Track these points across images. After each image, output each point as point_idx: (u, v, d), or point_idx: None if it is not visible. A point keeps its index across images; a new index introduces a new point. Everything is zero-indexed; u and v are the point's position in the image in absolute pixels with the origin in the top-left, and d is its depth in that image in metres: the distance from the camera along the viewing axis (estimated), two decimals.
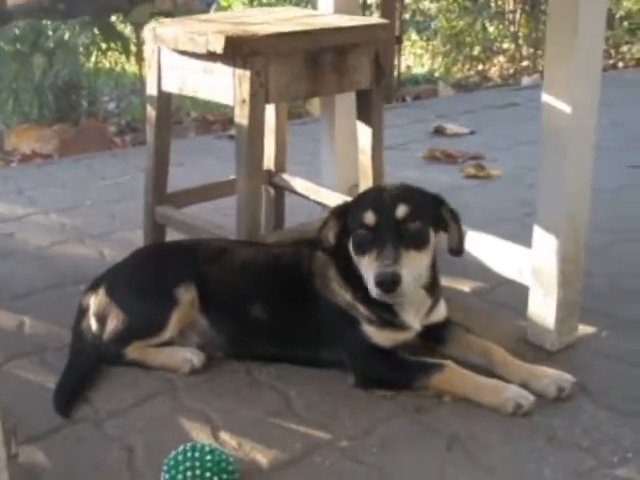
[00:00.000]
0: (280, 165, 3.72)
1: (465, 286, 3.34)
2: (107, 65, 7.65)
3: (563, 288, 2.78)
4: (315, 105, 6.53)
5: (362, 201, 2.62)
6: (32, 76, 6.27)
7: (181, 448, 2.10)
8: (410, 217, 2.49)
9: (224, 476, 2.06)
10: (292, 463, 2.26)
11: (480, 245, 3.10)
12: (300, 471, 2.23)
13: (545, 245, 2.76)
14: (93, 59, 6.95)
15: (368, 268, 2.48)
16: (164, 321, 2.69)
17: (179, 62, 3.04)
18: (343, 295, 2.63)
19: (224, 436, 2.38)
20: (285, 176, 3.70)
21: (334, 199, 3.32)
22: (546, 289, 2.80)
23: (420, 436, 2.38)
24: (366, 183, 3.26)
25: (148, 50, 3.18)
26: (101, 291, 2.79)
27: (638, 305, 3.19)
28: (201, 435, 2.38)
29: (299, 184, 3.62)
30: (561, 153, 2.65)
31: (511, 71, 9.32)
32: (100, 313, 2.76)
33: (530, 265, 2.85)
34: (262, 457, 2.28)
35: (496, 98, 7.15)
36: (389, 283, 2.40)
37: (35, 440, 2.36)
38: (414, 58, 9.83)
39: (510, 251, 3.04)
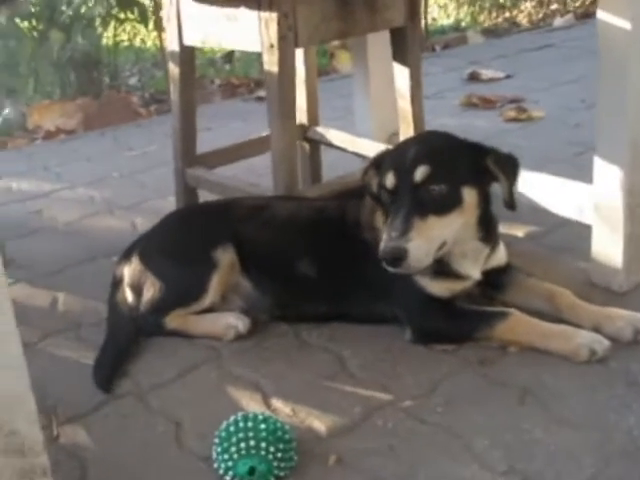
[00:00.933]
0: (313, 118, 3.52)
1: (519, 231, 3.13)
2: (126, 38, 7.51)
3: (630, 222, 2.57)
4: (342, 61, 6.32)
5: (390, 157, 2.42)
6: (50, 52, 6.10)
7: (232, 418, 1.94)
8: (431, 179, 2.26)
9: (281, 445, 1.89)
10: (352, 428, 2.09)
11: (533, 185, 2.89)
12: (361, 436, 2.06)
13: (608, 177, 2.55)
14: (111, 31, 6.76)
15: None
16: (204, 286, 2.53)
17: (200, 11, 2.85)
18: None
19: (276, 403, 2.21)
20: (319, 129, 3.50)
21: (373, 149, 3.11)
22: (611, 225, 2.59)
23: (488, 390, 2.20)
24: (407, 129, 3.06)
25: (166, 1, 2.99)
26: (134, 260, 2.63)
27: None
28: (252, 404, 2.22)
29: (335, 136, 3.42)
30: (621, 72, 2.44)
31: (540, 15, 9.03)
32: (135, 283, 2.60)
33: (592, 201, 2.64)
34: (319, 423, 2.11)
35: (529, 41, 6.91)
36: (390, 259, 2.22)
37: (76, 419, 2.22)
38: (438, 10, 9.55)
39: (568, 189, 2.83)
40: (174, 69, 3.07)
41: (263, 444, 1.86)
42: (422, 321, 2.43)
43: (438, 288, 2.41)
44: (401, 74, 3.01)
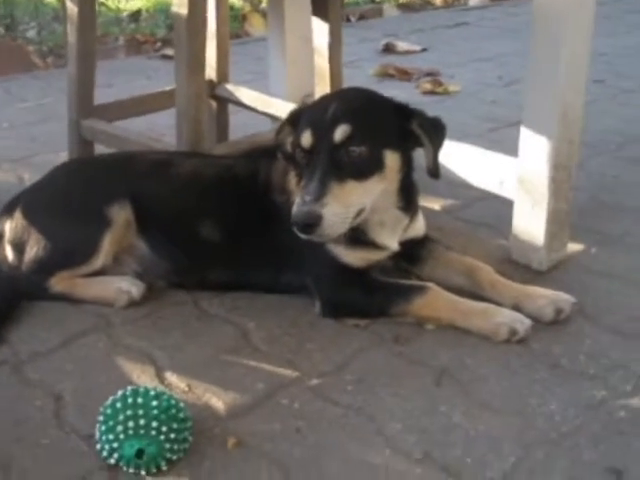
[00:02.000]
0: (222, 74, 3.29)
1: (435, 203, 2.99)
2: None
3: (554, 198, 2.44)
4: (255, 25, 6.09)
5: (309, 113, 2.19)
6: None
7: (120, 393, 1.71)
8: (351, 140, 2.06)
9: (174, 425, 1.67)
10: (254, 406, 1.89)
11: (451, 156, 2.73)
12: (264, 415, 1.86)
13: (534, 150, 2.42)
14: None
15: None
16: (95, 245, 2.28)
17: None
18: None
19: (171, 377, 2.00)
20: (229, 86, 3.27)
21: (286, 110, 2.89)
22: (535, 200, 2.46)
23: (403, 370, 2.03)
24: (323, 88, 2.87)
25: None
26: (17, 214, 2.36)
27: (623, 220, 2.90)
28: (143, 377, 2.00)
29: (246, 95, 3.20)
30: (555, 43, 2.30)
31: None
32: (17, 240, 2.33)
33: (516, 175, 2.50)
34: (218, 400, 1.91)
35: (444, 18, 6.84)
36: (302, 225, 2.01)
37: None
38: None
39: (489, 161, 2.69)
40: (72, 8, 2.79)
41: (154, 423, 1.65)
42: (333, 293, 2.25)
43: (353, 258, 2.23)
44: (320, 30, 2.82)
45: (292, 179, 2.25)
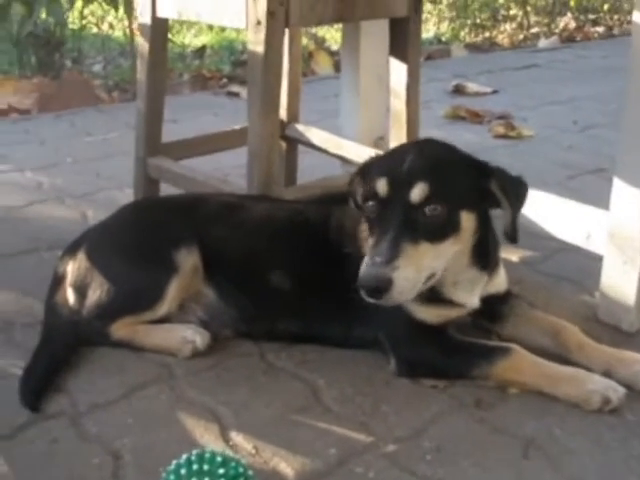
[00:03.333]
0: (293, 114, 3.18)
1: (513, 255, 2.82)
2: (93, 21, 7.15)
3: None
4: (321, 63, 6.02)
5: (382, 164, 2.06)
6: (10, 27, 5.69)
7: (184, 457, 1.58)
8: (429, 200, 1.91)
9: None
10: (326, 474, 1.75)
11: (533, 205, 2.57)
12: None
13: (628, 201, 2.25)
14: (77, 10, 6.37)
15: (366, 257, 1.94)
16: (160, 292, 2.18)
17: None
18: None
19: (236, 438, 1.87)
20: (299, 127, 3.16)
21: (358, 153, 2.79)
22: (627, 256, 2.29)
23: (486, 438, 1.88)
24: (399, 132, 2.74)
25: None
26: (80, 255, 2.27)
27: None
28: (207, 436, 1.87)
29: (316, 135, 3.09)
30: None
31: (520, 37, 8.88)
32: (79, 282, 2.24)
33: (606, 228, 2.33)
34: (287, 466, 1.77)
35: (513, 59, 6.70)
36: (371, 289, 1.87)
37: None
38: None
39: (575, 212, 2.53)
40: (144, 44, 2.73)
41: None
42: (409, 351, 2.10)
43: (428, 314, 2.09)
44: (398, 71, 2.70)
45: (365, 229, 2.12)
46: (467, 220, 1.99)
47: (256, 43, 2.30)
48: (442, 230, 1.94)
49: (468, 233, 2.02)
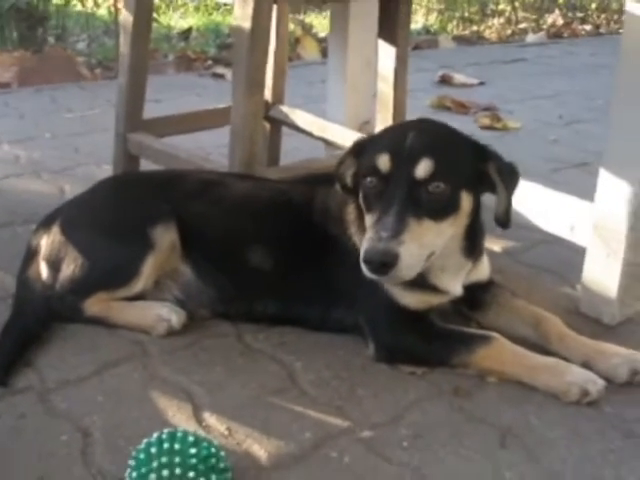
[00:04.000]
0: (278, 95, 3.14)
1: (495, 245, 2.79)
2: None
3: (632, 248, 2.25)
4: (308, 49, 5.97)
5: (381, 141, 2.02)
6: None
7: (155, 436, 1.54)
8: (434, 177, 1.88)
9: (213, 476, 1.50)
10: (300, 458, 1.72)
11: (518, 196, 2.54)
12: (311, 468, 1.69)
13: (614, 194, 2.22)
14: None
15: (366, 233, 1.91)
16: (136, 268, 2.13)
17: None
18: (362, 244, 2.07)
19: (210, 419, 1.83)
20: (284, 108, 3.12)
21: (344, 136, 2.75)
22: (610, 249, 2.26)
23: (463, 426, 1.85)
24: (385, 115, 2.70)
25: None
26: (55, 229, 2.22)
27: None
28: (179, 416, 1.83)
29: (301, 118, 3.04)
30: None
31: (508, 32, 8.88)
32: (53, 257, 2.19)
33: (590, 220, 2.31)
34: (260, 448, 1.73)
35: (501, 53, 6.69)
36: (377, 264, 1.82)
37: None
38: None
39: (560, 204, 2.50)
40: (127, 18, 2.67)
41: (191, 473, 1.48)
42: (389, 336, 2.07)
43: (411, 299, 2.05)
44: (386, 54, 2.66)
45: (351, 211, 2.09)
46: (466, 201, 1.97)
47: (243, 19, 2.25)
48: (444, 208, 1.92)
49: (465, 214, 2.00)
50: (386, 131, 2.14)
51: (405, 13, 2.59)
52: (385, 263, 1.80)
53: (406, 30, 2.61)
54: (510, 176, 2.03)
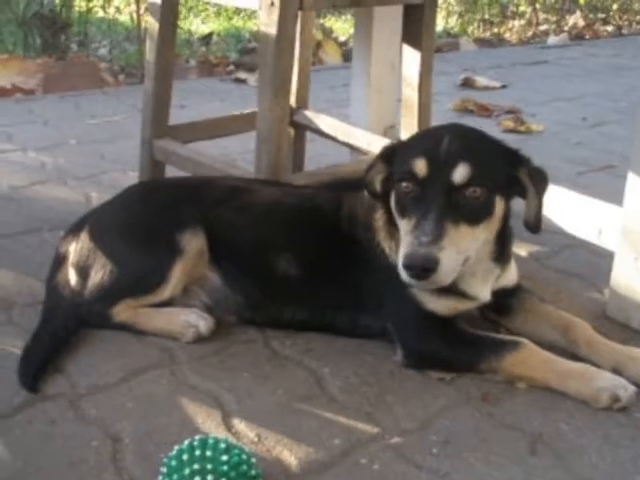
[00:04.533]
0: (302, 100, 3.14)
1: (521, 249, 2.78)
2: (99, 4, 7.11)
3: None
4: (329, 53, 5.97)
5: (415, 145, 2.02)
6: (16, 7, 5.64)
7: (186, 443, 1.54)
8: (471, 182, 1.89)
9: None
10: (330, 464, 1.71)
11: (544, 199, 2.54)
12: (341, 475, 1.68)
13: None
14: None
15: (402, 238, 1.91)
16: (164, 274, 2.14)
17: None
18: (391, 250, 2.07)
19: (239, 425, 1.83)
20: (308, 113, 3.12)
21: (370, 141, 2.76)
22: (638, 253, 2.25)
23: (493, 433, 1.84)
24: (410, 121, 2.69)
25: None
26: (83, 236, 2.23)
27: None
28: (209, 423, 1.83)
29: (325, 123, 3.04)
30: None
31: (529, 34, 8.85)
32: (82, 263, 2.20)
33: (619, 224, 2.29)
34: (290, 455, 1.73)
35: (523, 55, 6.66)
36: (418, 270, 1.82)
37: None
38: None
39: (587, 208, 2.49)
40: (153, 24, 2.68)
41: None
42: (418, 342, 2.06)
43: (439, 305, 2.04)
44: (411, 59, 2.65)
45: (380, 217, 2.09)
46: (499, 206, 1.97)
47: (268, 25, 2.25)
48: (479, 213, 1.92)
49: (497, 220, 2.00)
50: (418, 136, 2.14)
51: (430, 17, 2.59)
52: (426, 268, 1.80)
53: (431, 34, 2.61)
54: (541, 181, 2.03)
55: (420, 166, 1.90)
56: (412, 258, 1.81)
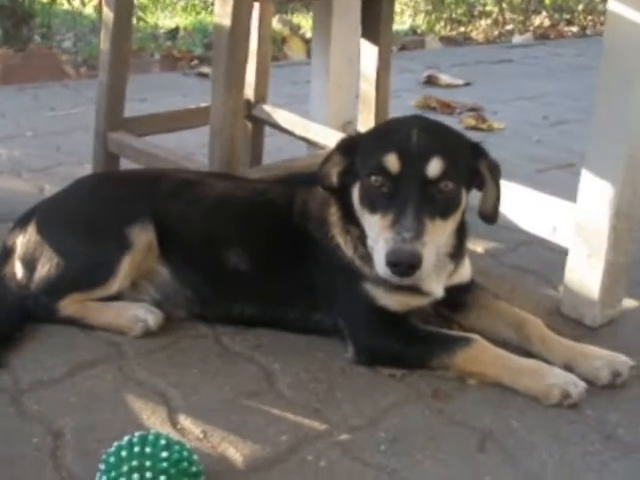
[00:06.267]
0: (261, 95, 3.11)
1: (477, 246, 2.77)
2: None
3: (614, 249, 2.23)
4: (294, 49, 5.95)
5: (382, 138, 1.99)
6: None
7: (126, 439, 1.51)
8: (444, 176, 1.88)
9: None
10: (276, 461, 1.69)
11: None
12: (287, 472, 1.67)
13: (595, 195, 2.21)
14: None
15: (378, 235, 1.89)
16: (112, 268, 2.10)
17: None
18: (345, 245, 2.05)
19: (185, 421, 1.80)
20: (266, 107, 3.09)
21: (327, 136, 2.74)
22: (592, 250, 2.25)
23: (442, 430, 1.83)
24: (367, 117, 2.68)
25: None
26: (31, 228, 2.18)
27: None
28: (154, 419, 1.80)
29: (284, 117, 3.01)
30: (626, 85, 2.12)
31: (495, 33, 8.87)
32: (28, 256, 2.15)
33: (573, 221, 2.29)
34: (236, 452, 1.71)
35: (488, 54, 6.68)
36: (405, 266, 1.81)
37: None
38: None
39: (542, 204, 2.48)
40: (108, 14, 2.63)
41: (162, 477, 1.45)
42: (369, 338, 2.04)
43: (392, 301, 2.02)
44: (369, 54, 2.64)
45: (334, 212, 2.06)
46: (464, 198, 1.98)
47: (223, 16, 2.22)
48: (450, 207, 1.93)
49: (460, 213, 2.00)
50: (382, 128, 2.11)
51: (388, 12, 2.57)
52: (412, 265, 1.79)
53: (389, 30, 2.60)
54: (498, 172, 2.04)
55: (392, 160, 1.89)
56: (398, 255, 1.80)
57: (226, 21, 2.21)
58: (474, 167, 2.01)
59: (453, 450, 1.75)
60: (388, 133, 2.01)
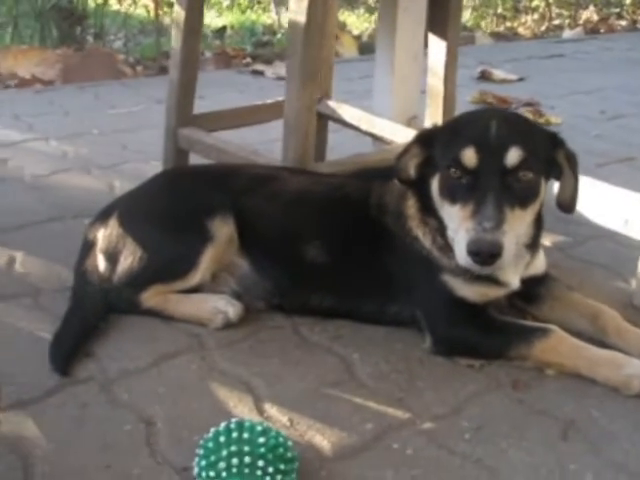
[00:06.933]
0: (325, 90, 3.13)
1: (546, 239, 2.76)
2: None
3: None
4: (346, 46, 5.97)
5: (460, 131, 2.01)
6: (33, 0, 5.66)
7: (223, 425, 1.55)
8: (522, 165, 1.90)
9: (282, 466, 1.50)
10: (363, 449, 1.71)
11: None
12: (375, 459, 1.68)
13: None
14: None
15: (459, 225, 1.91)
16: (194, 260, 2.14)
17: None
18: (423, 237, 2.07)
19: (271, 410, 1.83)
20: (331, 103, 3.11)
21: (394, 131, 2.75)
22: None
23: (524, 419, 1.84)
24: (435, 111, 2.70)
25: None
26: (112, 222, 2.23)
27: None
28: (241, 407, 1.83)
29: (349, 113, 3.04)
30: None
31: (542, 28, 8.83)
32: (110, 249, 2.20)
33: None
34: (323, 439, 1.74)
35: (539, 49, 6.64)
36: (486, 255, 1.83)
37: (23, 405, 1.82)
38: None
39: (614, 197, 2.48)
40: (180, 13, 2.68)
41: (260, 462, 1.48)
42: (448, 329, 2.06)
43: (470, 292, 2.04)
44: (436, 48, 2.66)
45: (412, 204, 2.09)
46: (543, 188, 1.99)
47: (298, 12, 2.25)
48: (529, 196, 1.94)
49: (539, 202, 2.01)
50: (460, 120, 2.11)
51: (456, 6, 2.59)
52: (493, 254, 1.82)
53: (457, 23, 2.62)
54: (575, 162, 2.05)
55: (470, 153, 1.90)
56: (479, 244, 1.82)
57: (301, 17, 2.24)
58: (552, 157, 2.02)
59: (536, 439, 1.76)
60: (466, 125, 2.02)
